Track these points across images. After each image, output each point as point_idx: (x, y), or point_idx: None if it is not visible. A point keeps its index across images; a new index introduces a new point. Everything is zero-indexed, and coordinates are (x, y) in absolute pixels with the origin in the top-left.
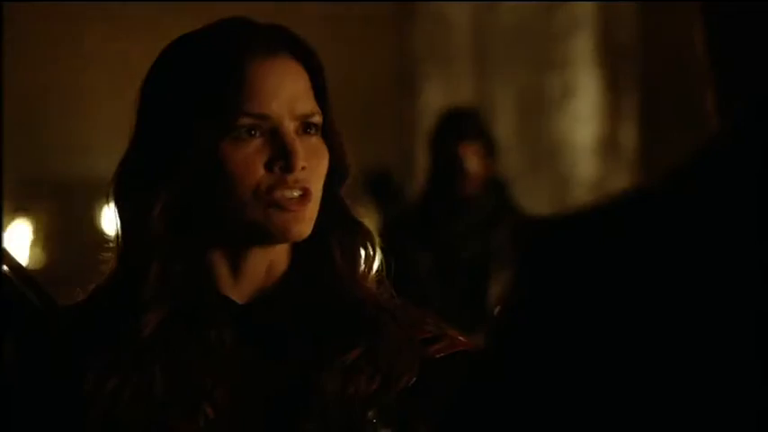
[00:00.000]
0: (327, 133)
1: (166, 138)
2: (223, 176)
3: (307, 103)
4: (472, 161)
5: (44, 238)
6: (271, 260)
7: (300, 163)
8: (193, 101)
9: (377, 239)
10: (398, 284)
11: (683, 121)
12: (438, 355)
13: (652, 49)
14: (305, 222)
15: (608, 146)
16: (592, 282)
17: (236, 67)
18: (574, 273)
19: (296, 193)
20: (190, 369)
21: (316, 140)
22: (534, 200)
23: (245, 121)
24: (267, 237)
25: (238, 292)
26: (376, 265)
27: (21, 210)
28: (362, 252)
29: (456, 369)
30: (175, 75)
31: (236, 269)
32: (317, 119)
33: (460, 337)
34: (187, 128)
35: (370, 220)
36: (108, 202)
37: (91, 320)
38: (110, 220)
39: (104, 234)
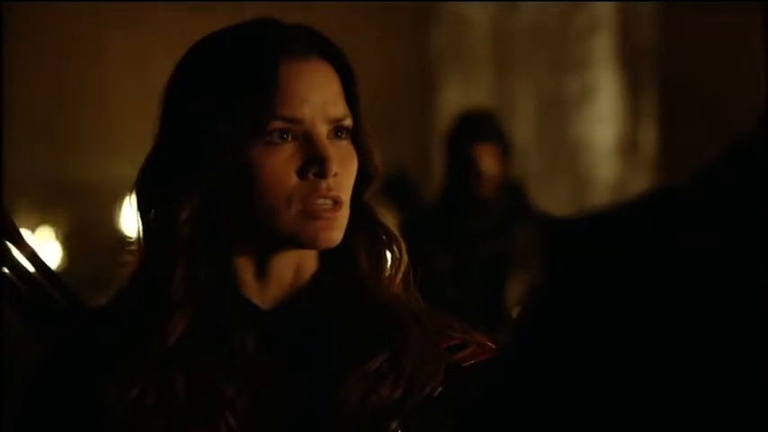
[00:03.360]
0: (357, 136)
1: (194, 140)
2: (255, 182)
3: (338, 107)
4: (487, 162)
5: (65, 240)
6: (297, 265)
7: (334, 169)
8: (224, 103)
9: (403, 243)
10: (415, 286)
11: (702, 122)
12: (465, 363)
13: (672, 49)
14: (336, 230)
15: (628, 147)
16: (616, 281)
17: (269, 69)
18: (598, 272)
19: (329, 202)
20: (212, 376)
21: (346, 144)
22: (554, 201)
23: (278, 124)
24: (298, 244)
25: (263, 298)
26: (402, 270)
27: (42, 212)
28: (389, 256)
29: (484, 377)
30: (204, 75)
31: (261, 274)
32: (348, 122)
33: (489, 343)
34: (217, 131)
35: (392, 223)
36: (130, 205)
37: (114, 325)
38: (131, 222)
39: (124, 236)
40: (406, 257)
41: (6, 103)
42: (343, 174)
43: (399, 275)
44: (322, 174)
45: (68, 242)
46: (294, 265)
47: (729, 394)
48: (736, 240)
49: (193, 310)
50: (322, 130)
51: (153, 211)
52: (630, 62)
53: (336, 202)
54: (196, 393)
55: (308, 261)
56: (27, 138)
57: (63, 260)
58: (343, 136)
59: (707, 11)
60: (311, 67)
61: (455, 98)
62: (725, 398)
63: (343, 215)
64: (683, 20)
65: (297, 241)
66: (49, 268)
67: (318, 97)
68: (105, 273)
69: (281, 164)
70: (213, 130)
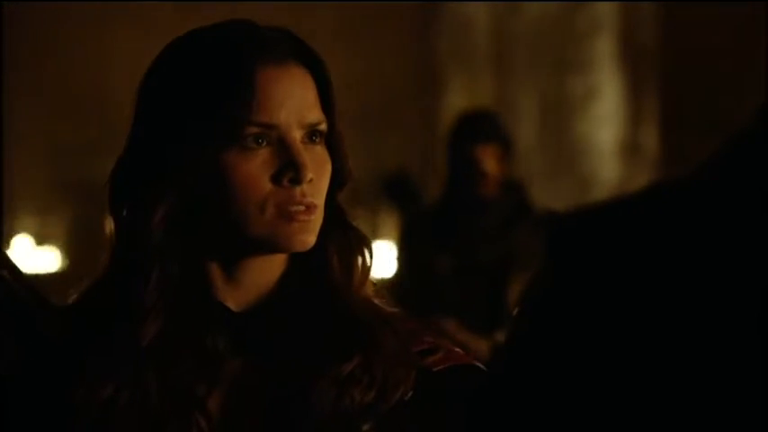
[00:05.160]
0: (331, 140)
1: (169, 143)
2: (229, 187)
3: (314, 112)
4: (489, 163)
5: (66, 242)
6: (269, 269)
7: (309, 175)
8: (199, 106)
9: (372, 246)
10: (417, 286)
11: (705, 123)
12: (435, 368)
13: (674, 50)
14: (311, 233)
15: (630, 148)
16: (616, 275)
17: (246, 74)
18: (599, 266)
19: (303, 208)
20: (185, 378)
21: (320, 149)
22: (556, 201)
23: (253, 130)
24: (272, 247)
25: (235, 300)
26: (372, 273)
27: (44, 214)
28: (360, 259)
29: (453, 383)
30: (180, 76)
31: (234, 277)
32: (323, 127)
33: (457, 350)
34: (192, 134)
35: (366, 223)
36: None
37: (85, 324)
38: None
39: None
40: (377, 260)
41: (8, 104)
42: (318, 179)
43: (370, 278)
44: (297, 180)
45: (70, 245)
46: (267, 269)
47: (730, 389)
48: (737, 233)
49: (167, 312)
50: (297, 135)
51: (126, 212)
52: (632, 63)
53: (310, 207)
54: (168, 394)
55: (281, 264)
56: (29, 139)
57: (64, 262)
58: (318, 141)
59: (709, 12)
60: (288, 73)
61: (457, 99)
62: (725, 394)
63: (317, 218)
64: (685, 21)
65: (271, 244)
66: (16, 266)
67: (294, 103)
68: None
69: (256, 169)
70: (188, 132)
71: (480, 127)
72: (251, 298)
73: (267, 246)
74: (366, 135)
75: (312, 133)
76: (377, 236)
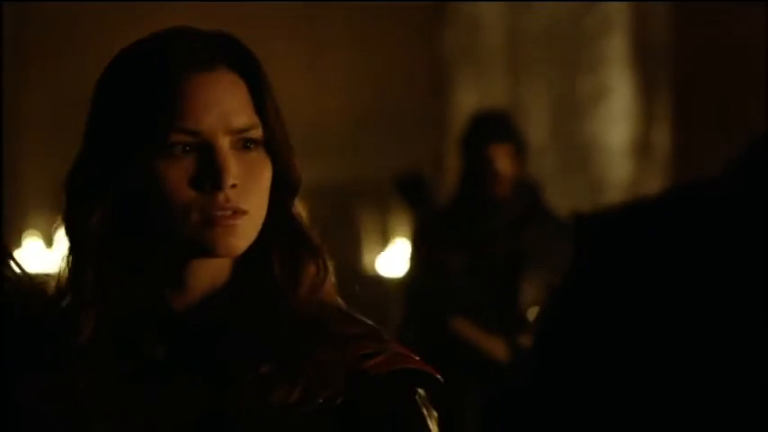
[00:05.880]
0: (270, 146)
1: (106, 149)
2: (155, 193)
3: (242, 117)
4: (502, 163)
5: None
6: (212, 272)
7: (230, 180)
8: (130, 115)
9: (327, 255)
10: (429, 286)
11: (716, 123)
12: (374, 372)
13: (685, 50)
14: (238, 237)
15: (641, 147)
16: (643, 274)
17: (170, 82)
18: (626, 265)
19: (228, 212)
20: (119, 380)
21: (255, 155)
22: (567, 201)
23: (179, 137)
24: (200, 251)
25: (178, 302)
26: (325, 281)
27: (55, 214)
28: (309, 268)
29: (393, 386)
30: (115, 88)
31: (177, 280)
32: (256, 132)
33: (406, 354)
34: (123, 142)
35: (377, 223)
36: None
37: (29, 321)
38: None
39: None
40: (330, 268)
41: (18, 105)
42: (248, 184)
43: (323, 286)
44: (217, 186)
45: None
46: (209, 273)
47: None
48: (762, 234)
49: (102, 313)
50: (223, 142)
51: (70, 212)
52: (644, 62)
53: (236, 212)
54: (102, 396)
55: (225, 268)
56: (39, 140)
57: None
58: (253, 147)
59: (720, 11)
60: (214, 79)
61: (468, 99)
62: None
63: (247, 224)
64: (696, 20)
65: (198, 249)
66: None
67: (220, 108)
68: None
69: (179, 176)
70: (122, 140)
71: (494, 127)
72: (193, 300)
73: (196, 250)
74: (377, 135)
75: (245, 139)
76: (389, 235)
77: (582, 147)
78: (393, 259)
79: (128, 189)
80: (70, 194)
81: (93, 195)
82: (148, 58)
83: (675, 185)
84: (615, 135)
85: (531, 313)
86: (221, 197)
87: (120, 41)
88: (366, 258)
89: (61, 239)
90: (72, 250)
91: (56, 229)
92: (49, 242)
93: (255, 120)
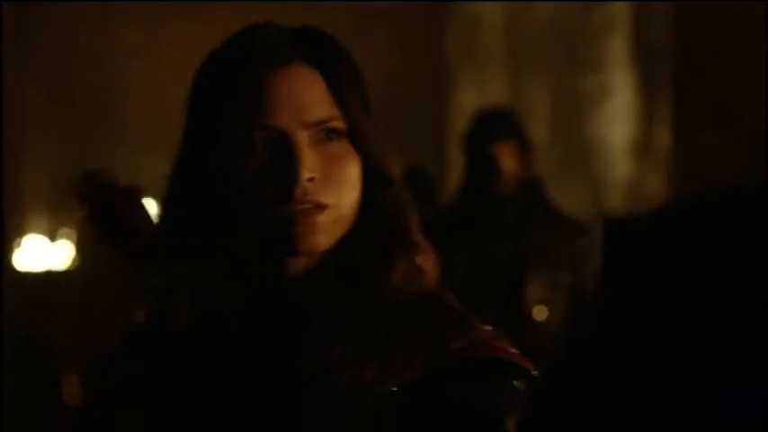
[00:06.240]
0: (354, 137)
1: (197, 150)
2: (240, 191)
3: (319, 110)
4: (506, 161)
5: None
6: (303, 262)
7: (305, 174)
8: (214, 115)
9: (429, 247)
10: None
11: (717, 123)
12: (458, 359)
13: (687, 49)
14: (318, 234)
15: (642, 147)
16: (678, 280)
17: (248, 81)
18: (661, 270)
19: (307, 206)
20: (209, 362)
21: (338, 147)
22: (568, 200)
23: (257, 134)
24: (282, 250)
25: (270, 285)
26: (424, 272)
27: (55, 210)
28: (405, 259)
29: (471, 375)
30: (202, 89)
31: (267, 269)
32: (337, 124)
33: (499, 346)
34: (209, 141)
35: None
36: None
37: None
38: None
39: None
40: (431, 261)
41: (19, 102)
42: (329, 177)
43: (416, 277)
44: (293, 180)
45: (81, 240)
46: (300, 264)
47: None
48: None
49: (197, 300)
50: (300, 136)
51: (169, 213)
52: (645, 61)
53: (318, 207)
54: (194, 374)
55: (313, 257)
56: (39, 136)
57: (76, 258)
58: (335, 138)
59: (722, 10)
60: (289, 74)
61: (470, 97)
62: None
63: (329, 219)
64: (697, 19)
65: (281, 246)
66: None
67: (295, 103)
68: (117, 270)
69: (260, 171)
70: (209, 140)
71: (497, 125)
72: (284, 283)
73: (279, 248)
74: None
75: (326, 131)
76: None
77: (582, 146)
78: None
79: (217, 187)
80: (172, 195)
81: (191, 195)
82: (228, 59)
83: (704, 190)
84: (616, 134)
85: (536, 312)
86: (298, 191)
87: (123, 43)
88: None
89: (63, 236)
90: (170, 250)
91: (60, 226)
92: (52, 237)
93: (335, 111)
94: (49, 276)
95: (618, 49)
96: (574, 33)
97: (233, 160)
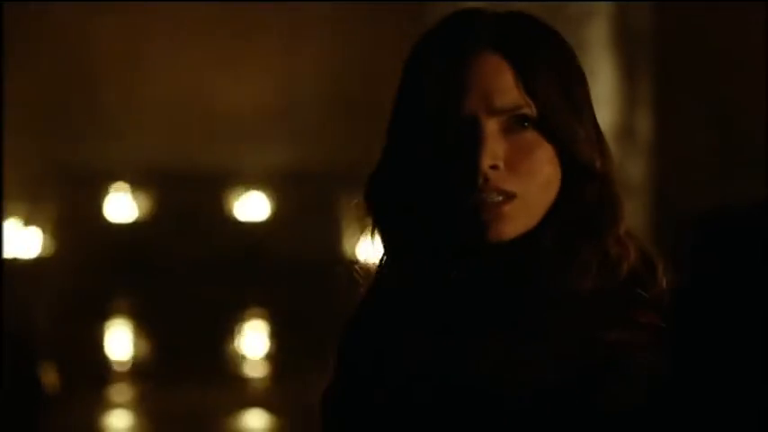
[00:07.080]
0: (544, 125)
1: (402, 143)
2: (433, 183)
3: (506, 97)
4: None
5: (54, 225)
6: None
7: (488, 161)
8: (411, 109)
9: (630, 244)
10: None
11: (699, 108)
12: (620, 353)
13: (668, 35)
14: (505, 223)
15: (624, 132)
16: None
17: (437, 70)
18: (747, 263)
19: (494, 195)
20: (410, 337)
21: (528, 135)
22: None
23: (447, 123)
24: (471, 238)
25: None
26: (613, 269)
27: (33, 198)
28: (592, 254)
29: (633, 371)
30: (402, 79)
31: (458, 254)
32: (527, 111)
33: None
34: (409, 134)
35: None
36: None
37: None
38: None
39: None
40: (629, 257)
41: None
42: (517, 166)
43: (606, 273)
44: (475, 168)
45: (58, 228)
46: (490, 249)
47: None
48: None
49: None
50: (487, 123)
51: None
52: (626, 48)
53: (505, 195)
54: (393, 347)
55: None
56: (18, 126)
57: (52, 246)
58: (527, 125)
59: None
60: (476, 62)
61: None
62: None
63: (517, 208)
64: (679, 5)
65: (470, 236)
66: None
67: (481, 90)
68: (93, 258)
69: (448, 159)
70: (406, 133)
71: None
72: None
73: (469, 236)
74: (357, 128)
75: (516, 118)
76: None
77: None
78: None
79: (414, 181)
80: (379, 196)
81: (398, 192)
82: (423, 48)
83: None
84: (598, 119)
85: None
86: (481, 179)
87: (99, 34)
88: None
89: (38, 223)
90: (387, 246)
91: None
92: (27, 224)
93: (524, 99)
94: (23, 263)
95: (599, 34)
96: (555, 19)
97: (423, 149)
